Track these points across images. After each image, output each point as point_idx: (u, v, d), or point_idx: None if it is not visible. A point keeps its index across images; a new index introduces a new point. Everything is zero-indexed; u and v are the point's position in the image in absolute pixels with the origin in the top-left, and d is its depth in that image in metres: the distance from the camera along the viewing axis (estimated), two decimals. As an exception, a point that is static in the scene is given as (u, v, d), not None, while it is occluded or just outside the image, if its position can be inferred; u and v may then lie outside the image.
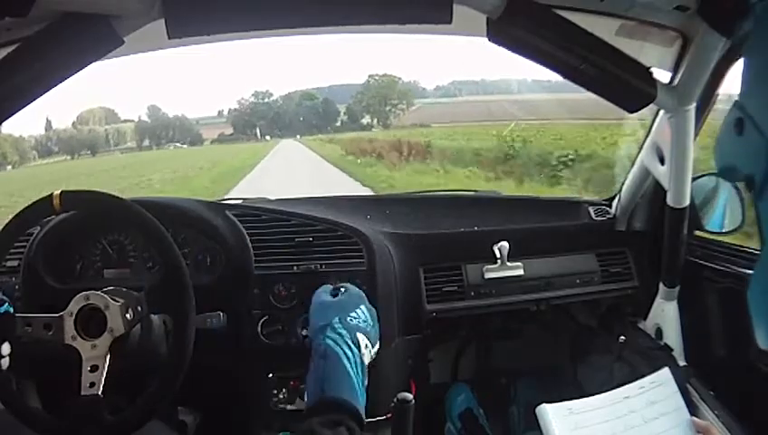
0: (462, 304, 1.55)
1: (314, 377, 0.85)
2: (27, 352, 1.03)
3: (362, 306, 0.98)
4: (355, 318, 0.94)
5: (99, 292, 1.01)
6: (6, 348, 1.01)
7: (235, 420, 1.47)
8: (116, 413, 1.00)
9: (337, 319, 0.92)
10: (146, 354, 1.11)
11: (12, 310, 1.02)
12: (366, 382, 0.88)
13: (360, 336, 0.91)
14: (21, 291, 1.42)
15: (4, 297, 1.05)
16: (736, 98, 0.50)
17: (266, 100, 24.31)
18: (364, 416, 0.84)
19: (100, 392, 0.96)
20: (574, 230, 1.67)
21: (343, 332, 0.90)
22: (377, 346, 0.95)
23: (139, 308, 1.02)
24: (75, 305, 0.99)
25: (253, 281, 1.46)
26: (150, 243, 1.05)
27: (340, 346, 0.88)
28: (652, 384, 1.23)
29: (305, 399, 0.85)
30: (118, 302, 1.00)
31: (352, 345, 0.89)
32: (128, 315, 1.00)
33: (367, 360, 0.91)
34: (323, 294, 1.02)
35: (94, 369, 0.97)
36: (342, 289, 1.03)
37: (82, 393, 0.96)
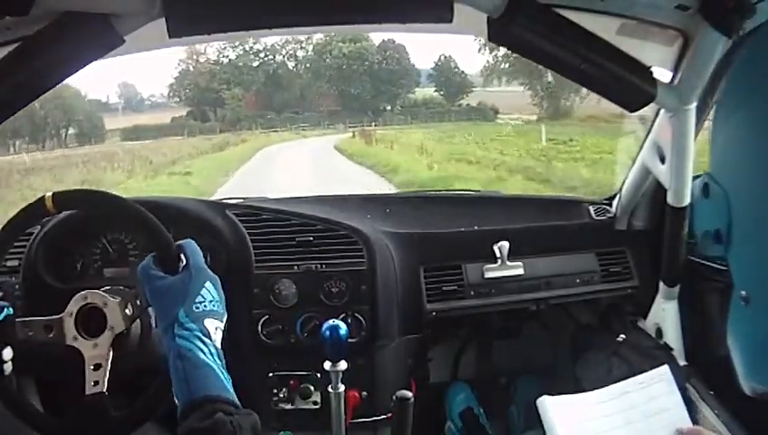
0: (462, 303, 1.55)
1: (177, 379, 0.80)
2: (29, 354, 1.02)
3: (207, 284, 0.89)
4: (201, 303, 0.86)
5: (97, 290, 1.01)
6: (8, 353, 1.01)
7: None
8: (120, 411, 1.00)
9: (182, 312, 0.84)
10: (146, 353, 1.10)
11: (12, 312, 1.02)
12: (224, 361, 0.84)
13: (209, 322, 0.85)
14: (21, 291, 1.42)
15: (4, 302, 1.04)
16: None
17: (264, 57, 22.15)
18: (235, 397, 0.80)
19: (104, 390, 0.96)
20: (574, 229, 1.67)
21: (192, 326, 0.83)
22: (225, 318, 0.89)
23: (138, 302, 1.02)
24: (74, 305, 0.99)
25: (253, 280, 1.46)
26: (122, 216, 1.06)
27: (192, 342, 0.82)
28: (652, 380, 1.23)
29: (176, 402, 0.81)
30: (116, 299, 1.00)
31: (203, 337, 0.83)
32: (127, 311, 1.00)
33: (219, 341, 0.85)
34: (152, 277, 0.90)
35: (97, 367, 0.97)
36: (180, 260, 0.93)
37: (87, 392, 0.96)
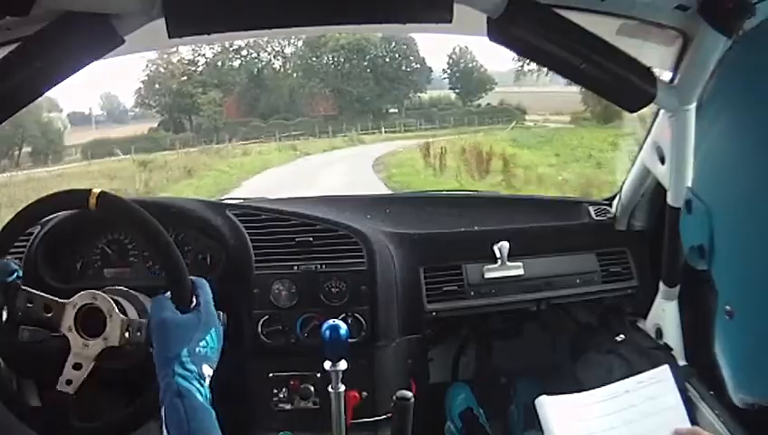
0: (462, 303, 1.55)
1: (175, 419, 0.80)
2: (13, 327, 1.01)
3: (213, 330, 0.91)
4: (204, 347, 0.88)
5: (108, 296, 1.00)
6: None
7: (235, 420, 1.47)
8: (111, 413, 1.00)
9: (186, 352, 0.85)
10: (144, 355, 1.11)
11: (21, 276, 1.00)
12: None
13: (206, 368, 0.87)
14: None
15: (17, 264, 1.03)
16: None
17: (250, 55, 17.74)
18: None
19: (73, 392, 0.95)
20: (574, 230, 1.67)
21: (192, 367, 0.85)
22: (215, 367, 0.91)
23: (139, 334, 1.00)
24: (81, 300, 0.98)
25: (253, 281, 1.46)
26: (149, 242, 1.04)
27: (191, 383, 0.83)
28: (651, 380, 1.23)
29: None
30: (121, 317, 0.98)
31: (201, 380, 0.85)
32: (126, 334, 0.99)
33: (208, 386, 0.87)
34: (165, 307, 0.91)
35: (77, 367, 0.96)
36: (197, 302, 0.93)
37: (57, 388, 0.95)
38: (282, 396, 1.44)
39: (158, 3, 0.96)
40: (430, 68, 19.60)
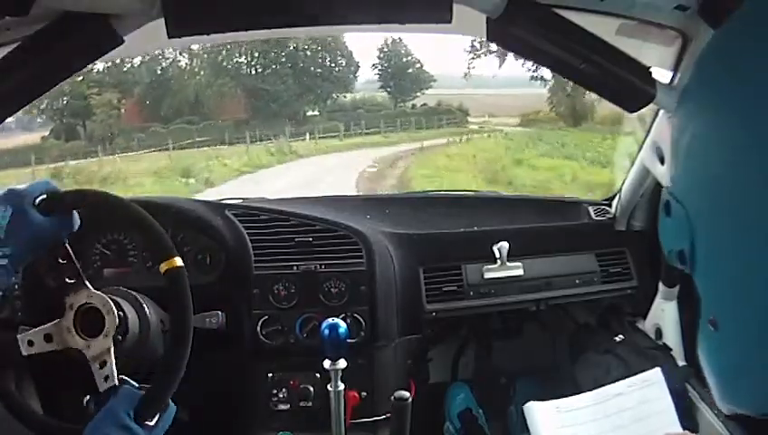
0: (462, 303, 1.55)
1: None
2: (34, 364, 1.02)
3: None
4: None
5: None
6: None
7: (235, 420, 1.47)
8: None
9: None
10: (144, 354, 1.10)
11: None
12: None
13: None
14: (20, 290, 1.41)
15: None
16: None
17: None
18: None
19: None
20: (574, 230, 1.67)
21: None
22: None
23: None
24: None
25: (252, 281, 1.46)
26: (147, 241, 1.04)
27: None
28: (644, 383, 1.23)
29: None
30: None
31: None
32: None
33: None
34: (122, 412, 0.89)
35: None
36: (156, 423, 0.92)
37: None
38: (281, 396, 1.44)
39: (157, 3, 0.96)
40: (358, 63, 17.20)
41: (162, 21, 0.97)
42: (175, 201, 1.54)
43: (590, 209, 1.70)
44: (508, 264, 1.55)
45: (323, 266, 1.47)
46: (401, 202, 1.87)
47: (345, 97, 17.20)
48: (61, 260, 0.99)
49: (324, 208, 1.62)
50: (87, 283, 0.99)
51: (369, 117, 16.25)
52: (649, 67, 1.12)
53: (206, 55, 16.00)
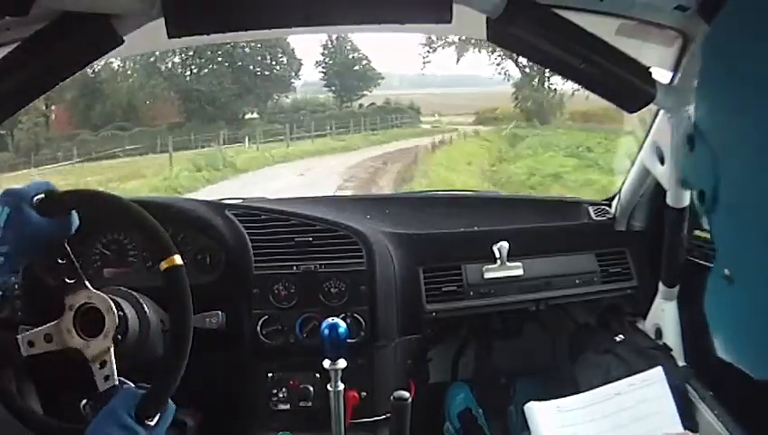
0: (461, 303, 1.55)
1: None
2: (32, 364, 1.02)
3: None
4: None
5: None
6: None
7: (235, 419, 1.48)
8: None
9: None
10: (144, 354, 1.11)
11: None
12: None
13: None
14: (21, 290, 1.42)
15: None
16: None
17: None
18: None
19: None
20: (574, 230, 1.67)
21: None
22: None
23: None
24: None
25: (252, 281, 1.46)
26: (147, 240, 1.04)
27: None
28: (644, 382, 1.22)
29: None
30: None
31: None
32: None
33: None
34: (123, 411, 0.89)
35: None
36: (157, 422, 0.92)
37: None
38: (281, 396, 1.44)
39: (157, 3, 0.96)
40: (300, 61, 15.94)
41: (162, 21, 0.98)
42: (175, 201, 1.54)
43: (590, 209, 1.70)
44: (508, 264, 1.55)
45: (323, 266, 1.47)
46: (401, 202, 1.88)
47: (287, 98, 16.03)
48: (60, 260, 0.99)
49: (324, 208, 1.62)
50: (87, 283, 0.99)
51: (314, 118, 15.05)
52: (649, 67, 1.12)
53: (138, 56, 14.36)
